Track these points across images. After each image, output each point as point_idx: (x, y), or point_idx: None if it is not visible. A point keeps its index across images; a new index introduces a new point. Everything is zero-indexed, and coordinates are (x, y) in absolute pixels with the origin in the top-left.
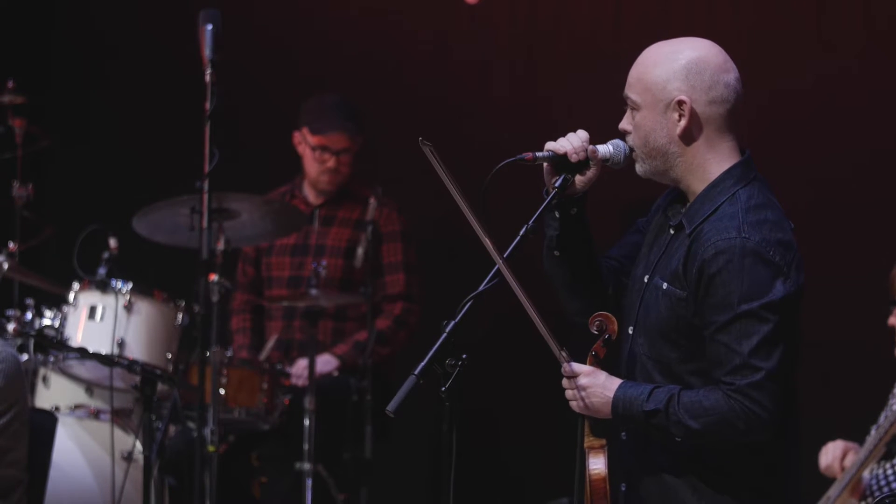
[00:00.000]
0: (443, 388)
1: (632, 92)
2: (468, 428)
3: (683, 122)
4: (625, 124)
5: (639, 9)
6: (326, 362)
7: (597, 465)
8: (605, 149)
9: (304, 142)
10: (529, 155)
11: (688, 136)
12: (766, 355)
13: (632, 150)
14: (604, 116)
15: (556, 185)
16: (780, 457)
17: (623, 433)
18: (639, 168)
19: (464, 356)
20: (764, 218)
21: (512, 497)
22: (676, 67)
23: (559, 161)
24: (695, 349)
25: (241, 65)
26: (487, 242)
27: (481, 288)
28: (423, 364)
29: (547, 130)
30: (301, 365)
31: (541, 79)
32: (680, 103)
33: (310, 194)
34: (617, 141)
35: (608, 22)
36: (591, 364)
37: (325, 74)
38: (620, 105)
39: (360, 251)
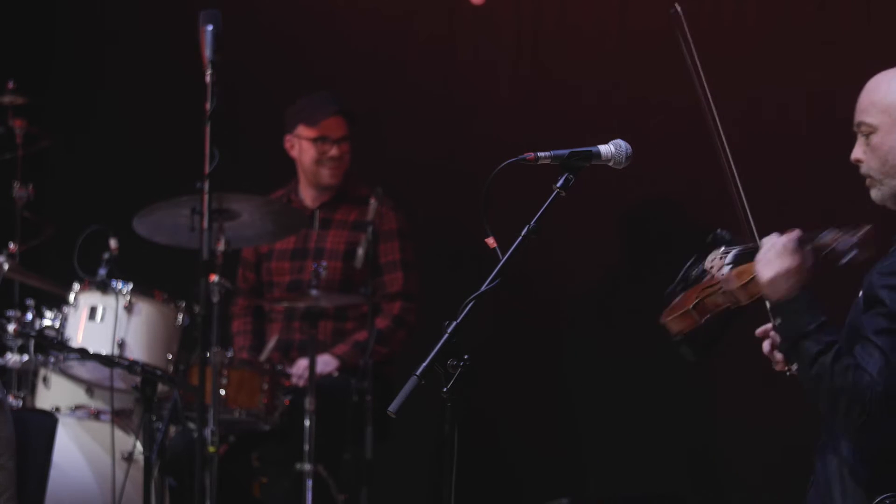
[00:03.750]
0: (444, 389)
1: (866, 116)
2: (469, 428)
3: None
4: (857, 153)
5: (643, 10)
6: (326, 363)
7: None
8: (606, 149)
9: (300, 140)
10: (531, 155)
11: None
12: None
13: (868, 176)
14: (607, 116)
15: (559, 185)
16: None
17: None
18: (875, 194)
19: (465, 357)
20: None
21: (512, 497)
22: None
23: (561, 161)
24: None
25: (242, 65)
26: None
27: (483, 289)
28: (424, 364)
29: (550, 131)
30: (301, 365)
31: (545, 80)
32: None
33: (306, 197)
34: (618, 141)
35: (613, 23)
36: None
37: (327, 75)
38: (623, 105)
39: (359, 252)
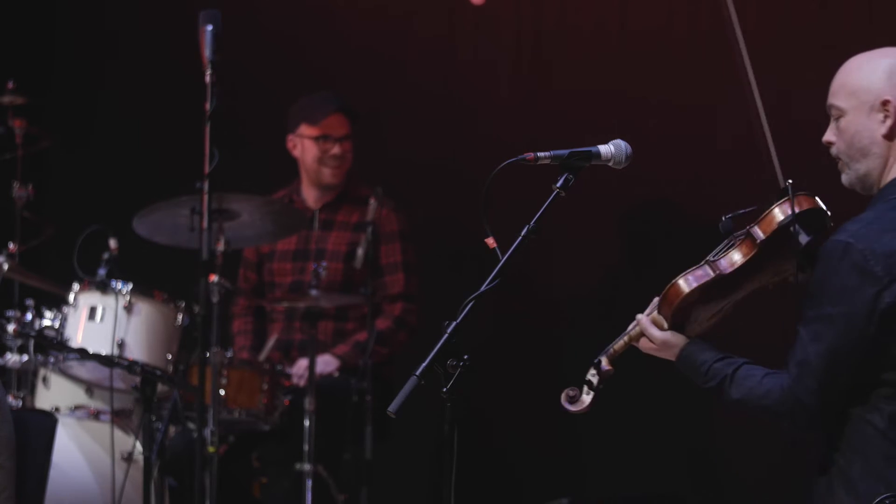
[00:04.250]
0: (444, 389)
1: (836, 99)
2: (469, 428)
3: (889, 121)
4: (828, 136)
5: (644, 10)
6: (327, 363)
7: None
8: (606, 149)
9: (303, 139)
10: (531, 155)
11: (891, 136)
12: None
13: (837, 159)
14: (607, 116)
15: (558, 185)
16: None
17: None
18: (844, 178)
19: (465, 357)
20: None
21: (512, 497)
22: (878, 71)
23: (561, 161)
24: None
25: (242, 65)
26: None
27: (483, 289)
28: (424, 365)
29: (550, 131)
30: (302, 365)
31: (545, 79)
32: (885, 103)
33: (309, 197)
34: (618, 141)
35: (613, 23)
36: None
37: (328, 74)
38: (624, 105)
39: (359, 252)
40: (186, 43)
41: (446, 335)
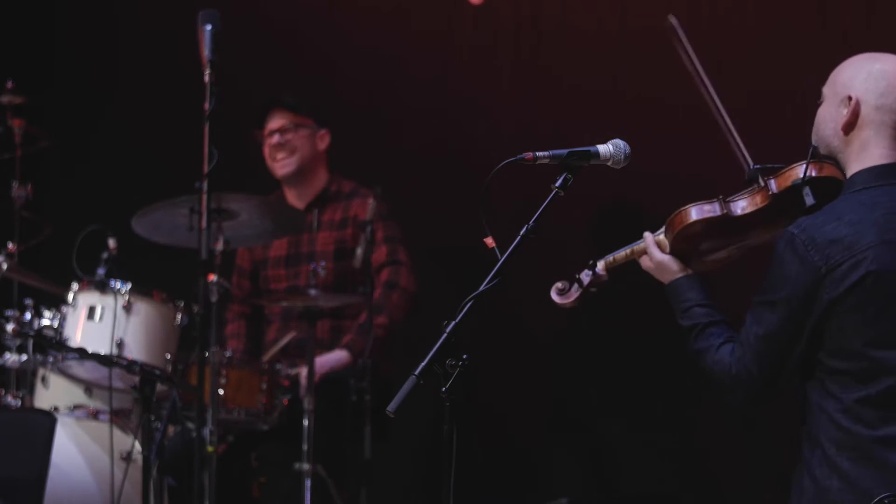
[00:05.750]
0: (443, 389)
1: (825, 87)
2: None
3: (847, 117)
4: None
5: (643, 9)
6: (339, 358)
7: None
8: (605, 149)
9: (262, 146)
10: (530, 155)
11: (847, 131)
12: None
13: None
14: (607, 116)
15: (557, 184)
16: None
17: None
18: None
19: (464, 356)
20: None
21: (512, 497)
22: (862, 71)
23: (560, 161)
24: None
25: (242, 65)
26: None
27: (482, 288)
28: (423, 364)
29: (550, 131)
30: (305, 374)
31: (545, 79)
32: (849, 98)
33: (291, 200)
34: (617, 141)
35: (613, 22)
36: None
37: (328, 74)
38: (624, 105)
39: (358, 251)
40: (186, 43)
41: (445, 335)
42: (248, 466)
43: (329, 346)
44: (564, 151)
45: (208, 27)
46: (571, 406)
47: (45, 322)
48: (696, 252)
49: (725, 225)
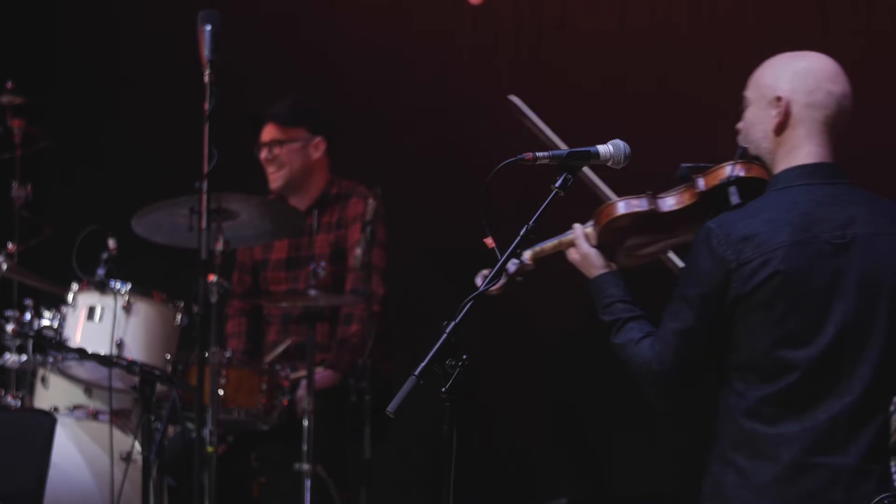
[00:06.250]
0: (443, 389)
1: (747, 90)
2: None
3: (778, 118)
4: (739, 124)
5: (643, 9)
6: (325, 378)
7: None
8: (605, 149)
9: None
10: (530, 155)
11: (779, 132)
12: None
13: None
14: (607, 116)
15: (557, 185)
16: None
17: None
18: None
19: (464, 357)
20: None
21: (511, 497)
22: (787, 70)
23: (560, 161)
24: None
25: (242, 65)
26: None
27: (482, 288)
28: (423, 364)
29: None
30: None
31: (544, 79)
32: (778, 99)
33: (293, 203)
34: (617, 141)
35: (613, 22)
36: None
37: (328, 74)
38: (624, 105)
39: (358, 252)
40: (186, 43)
41: (445, 335)
42: (248, 467)
43: (327, 349)
44: (564, 152)
45: (208, 27)
46: (571, 406)
47: (45, 322)
48: (624, 246)
49: (653, 220)
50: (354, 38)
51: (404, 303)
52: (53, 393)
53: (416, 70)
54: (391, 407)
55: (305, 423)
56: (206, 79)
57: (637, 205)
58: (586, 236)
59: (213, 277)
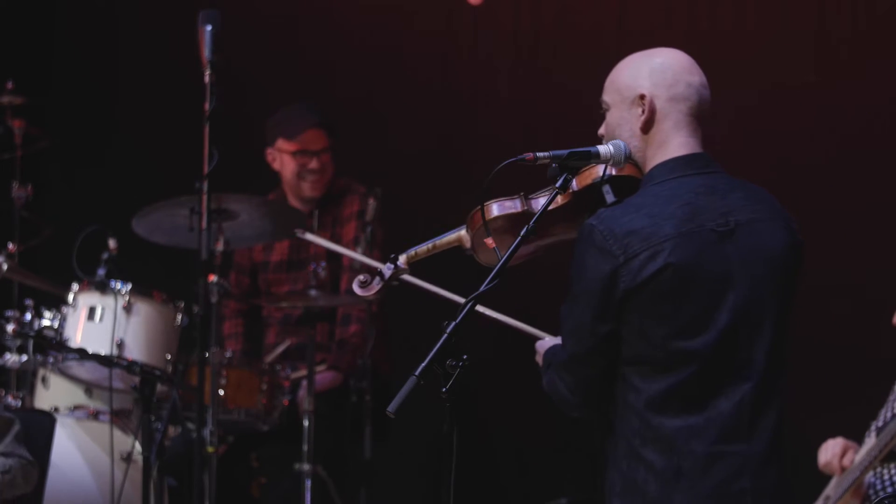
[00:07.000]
0: (443, 389)
1: (604, 94)
2: (468, 428)
3: (644, 116)
4: (601, 130)
5: (642, 9)
6: (329, 379)
7: None
8: (605, 149)
9: (282, 154)
10: (530, 155)
11: (647, 129)
12: None
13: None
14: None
15: (557, 185)
16: None
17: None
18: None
19: (464, 357)
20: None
21: (511, 497)
22: (643, 68)
23: (560, 161)
24: None
25: (242, 65)
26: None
27: (482, 289)
28: (423, 365)
29: (549, 131)
30: (303, 395)
31: (544, 79)
32: (642, 97)
33: (293, 202)
34: (617, 141)
35: (611, 22)
36: None
37: (327, 75)
38: None
39: (358, 252)
40: (186, 43)
41: (445, 335)
42: (249, 467)
43: (327, 350)
44: (565, 152)
45: (208, 27)
46: None
47: (46, 322)
48: (499, 248)
49: (527, 221)
50: (354, 38)
51: (404, 303)
52: (54, 393)
53: (415, 70)
54: (391, 407)
55: (305, 423)
56: (207, 79)
57: (510, 206)
58: (460, 240)
59: (213, 277)
